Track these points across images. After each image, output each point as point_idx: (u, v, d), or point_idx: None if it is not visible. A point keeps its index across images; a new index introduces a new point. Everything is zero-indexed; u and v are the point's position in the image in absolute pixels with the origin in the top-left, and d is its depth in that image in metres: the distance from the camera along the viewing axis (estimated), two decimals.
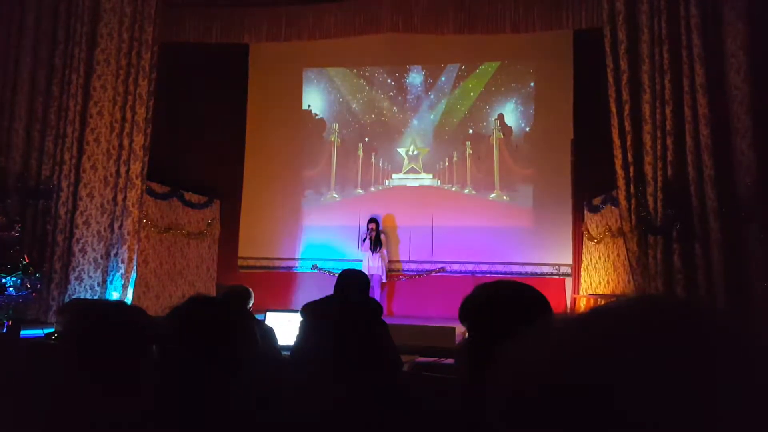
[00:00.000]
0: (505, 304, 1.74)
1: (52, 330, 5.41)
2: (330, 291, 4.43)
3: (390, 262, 11.21)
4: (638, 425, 0.55)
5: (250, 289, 5.19)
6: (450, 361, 5.10)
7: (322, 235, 11.62)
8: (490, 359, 0.69)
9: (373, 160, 11.85)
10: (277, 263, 11.69)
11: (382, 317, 3.95)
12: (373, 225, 10.84)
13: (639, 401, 0.55)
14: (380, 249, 10.76)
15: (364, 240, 10.77)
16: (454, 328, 6.62)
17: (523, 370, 0.63)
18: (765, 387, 0.57)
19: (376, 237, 10.75)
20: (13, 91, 8.33)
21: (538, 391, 0.60)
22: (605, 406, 0.56)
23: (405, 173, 11.76)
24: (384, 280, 10.82)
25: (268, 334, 4.21)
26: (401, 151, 11.81)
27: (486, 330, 1.69)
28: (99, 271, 8.39)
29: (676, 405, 0.55)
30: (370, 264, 10.46)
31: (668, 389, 0.55)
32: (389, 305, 10.87)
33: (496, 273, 10.71)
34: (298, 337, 2.20)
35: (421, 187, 11.68)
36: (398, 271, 11.33)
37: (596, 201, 9.89)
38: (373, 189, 11.83)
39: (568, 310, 10.30)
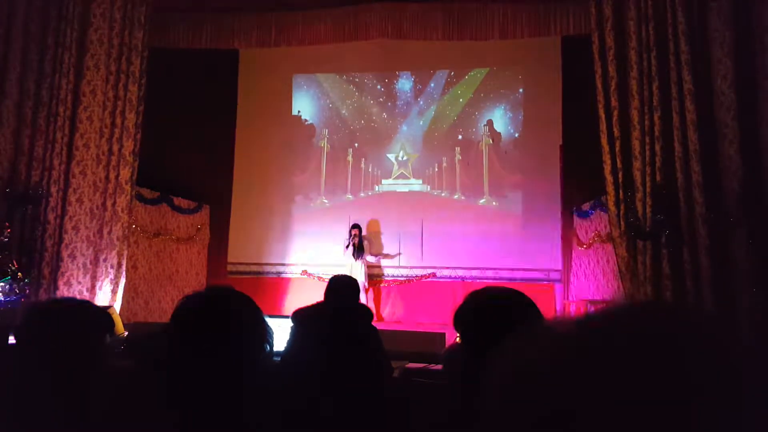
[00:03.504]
0: (496, 311, 1.76)
1: None
2: (319, 296, 4.44)
3: (379, 267, 11.23)
4: (635, 427, 0.56)
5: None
6: (440, 367, 5.11)
7: (311, 241, 11.60)
8: (482, 365, 0.70)
9: (362, 165, 11.86)
10: (266, 268, 11.67)
11: (372, 323, 3.96)
12: (356, 231, 10.76)
13: (635, 407, 0.56)
14: (363, 256, 10.72)
15: (347, 246, 10.74)
16: (444, 334, 6.64)
17: (520, 377, 0.64)
18: (752, 390, 0.59)
19: (359, 243, 10.72)
20: (1, 96, 8.28)
21: (535, 396, 0.61)
22: (602, 412, 0.57)
23: (394, 179, 11.76)
24: (366, 285, 10.75)
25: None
26: (391, 156, 11.82)
27: (478, 336, 1.71)
28: (88, 276, 8.36)
29: (669, 408, 0.56)
30: (353, 270, 10.38)
31: (663, 394, 0.57)
32: (378, 310, 10.87)
33: (486, 278, 10.71)
34: (289, 342, 2.21)
35: (410, 192, 11.69)
36: (381, 276, 11.32)
37: (585, 206, 9.91)
38: (362, 194, 11.83)
39: (558, 316, 10.29)
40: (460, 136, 11.67)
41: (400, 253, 11.33)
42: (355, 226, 10.82)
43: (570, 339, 0.65)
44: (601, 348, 0.61)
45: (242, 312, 1.65)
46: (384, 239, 11.40)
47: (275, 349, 1.72)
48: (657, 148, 7.29)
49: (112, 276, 8.47)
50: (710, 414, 0.57)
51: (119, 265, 8.57)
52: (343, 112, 12.10)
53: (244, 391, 1.52)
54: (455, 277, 11.02)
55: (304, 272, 11.46)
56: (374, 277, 11.16)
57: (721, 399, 0.57)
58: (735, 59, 6.85)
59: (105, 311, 2.21)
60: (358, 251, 10.64)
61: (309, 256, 11.52)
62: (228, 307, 1.64)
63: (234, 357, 1.55)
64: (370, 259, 10.93)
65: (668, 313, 0.67)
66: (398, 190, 11.73)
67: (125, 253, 8.68)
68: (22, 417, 1.77)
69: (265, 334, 1.65)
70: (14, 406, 1.81)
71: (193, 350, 1.53)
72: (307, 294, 9.45)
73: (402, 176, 11.74)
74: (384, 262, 11.33)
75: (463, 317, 1.80)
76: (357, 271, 10.42)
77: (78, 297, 8.06)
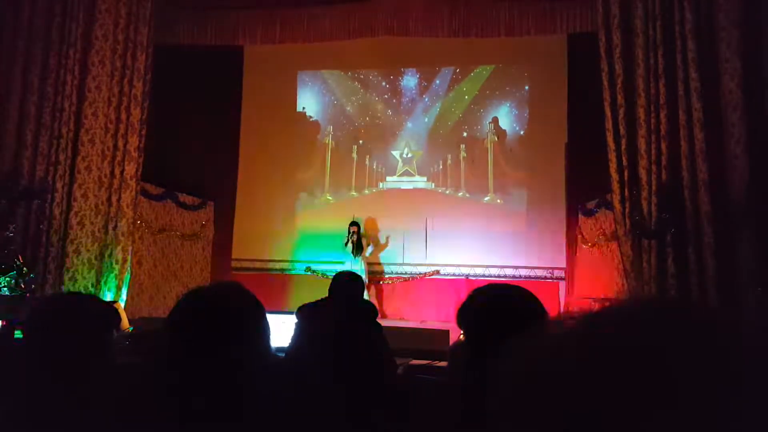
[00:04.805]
0: (500, 308, 1.75)
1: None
2: (323, 293, 4.45)
3: (379, 264, 11.22)
4: (639, 426, 0.55)
5: None
6: (444, 363, 5.11)
7: (315, 238, 11.60)
8: (485, 363, 0.70)
9: (367, 162, 11.85)
10: (270, 265, 11.67)
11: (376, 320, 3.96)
12: (354, 228, 10.74)
13: (640, 404, 0.56)
14: (362, 253, 10.70)
15: (346, 244, 10.71)
16: (448, 331, 6.64)
17: (529, 377, 0.64)
18: (761, 385, 0.58)
19: (357, 241, 10.71)
20: (7, 91, 8.27)
21: (540, 393, 0.61)
22: (607, 409, 0.56)
23: (399, 176, 11.76)
24: (366, 282, 10.70)
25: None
26: (395, 153, 11.81)
27: (482, 333, 1.70)
28: (93, 272, 8.37)
29: (676, 406, 0.56)
30: (352, 268, 10.31)
31: (670, 390, 0.56)
32: (382, 308, 10.86)
33: (490, 276, 10.71)
34: (293, 338, 2.21)
35: (415, 189, 11.68)
36: (382, 273, 11.31)
37: (590, 205, 9.89)
38: (366, 191, 11.83)
39: (562, 314, 10.29)
40: (465, 134, 11.65)
41: (388, 237, 11.32)
42: (354, 223, 10.80)
43: (579, 338, 0.64)
44: (611, 347, 0.61)
45: (242, 308, 1.64)
46: (387, 236, 11.38)
47: (280, 345, 1.72)
48: (663, 146, 7.28)
49: (116, 271, 8.49)
50: (716, 411, 0.56)
51: (124, 260, 8.59)
52: (348, 108, 12.10)
53: (245, 387, 1.51)
54: (459, 275, 11.01)
55: (308, 269, 11.46)
56: (375, 274, 11.14)
57: (727, 396, 0.57)
58: (742, 58, 6.83)
59: (111, 306, 2.22)
60: (357, 248, 10.62)
61: (313, 253, 11.52)
62: (227, 304, 1.64)
63: (233, 354, 1.54)
64: (368, 251, 10.90)
65: (676, 311, 0.66)
66: (403, 188, 11.73)
67: (130, 248, 8.70)
68: (28, 411, 1.77)
69: (265, 329, 1.65)
70: (20, 400, 1.81)
71: (192, 347, 1.53)
72: (312, 291, 9.45)
73: (406, 173, 11.73)
74: (386, 258, 11.31)
75: (466, 314, 1.80)
76: (357, 268, 10.39)
77: (83, 292, 8.07)
